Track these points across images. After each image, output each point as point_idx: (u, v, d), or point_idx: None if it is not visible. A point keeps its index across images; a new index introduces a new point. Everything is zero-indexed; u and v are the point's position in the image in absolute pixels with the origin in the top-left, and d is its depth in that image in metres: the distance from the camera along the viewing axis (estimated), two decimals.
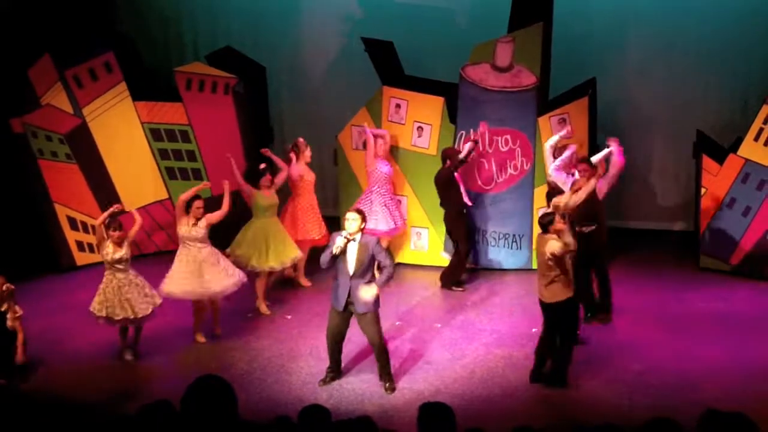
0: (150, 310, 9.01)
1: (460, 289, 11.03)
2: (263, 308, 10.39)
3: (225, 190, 9.72)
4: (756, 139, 11.01)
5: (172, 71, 12.54)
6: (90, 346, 9.48)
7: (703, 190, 11.33)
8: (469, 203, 11.00)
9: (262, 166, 10.51)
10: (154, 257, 11.65)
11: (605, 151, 10.08)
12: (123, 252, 8.91)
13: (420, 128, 11.61)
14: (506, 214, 11.52)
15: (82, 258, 12.00)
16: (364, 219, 8.23)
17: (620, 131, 12.69)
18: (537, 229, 10.96)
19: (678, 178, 12.91)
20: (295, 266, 10.94)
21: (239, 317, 10.16)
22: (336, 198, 12.48)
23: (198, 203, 9.43)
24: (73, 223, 11.94)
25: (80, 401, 8.06)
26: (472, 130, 11.27)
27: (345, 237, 8.10)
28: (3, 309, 8.61)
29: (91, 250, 11.88)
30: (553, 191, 9.44)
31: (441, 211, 11.11)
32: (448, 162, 10.77)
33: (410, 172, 11.73)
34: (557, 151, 10.44)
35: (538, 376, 8.53)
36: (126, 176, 12.26)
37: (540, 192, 10.98)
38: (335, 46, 13.59)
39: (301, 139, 11.24)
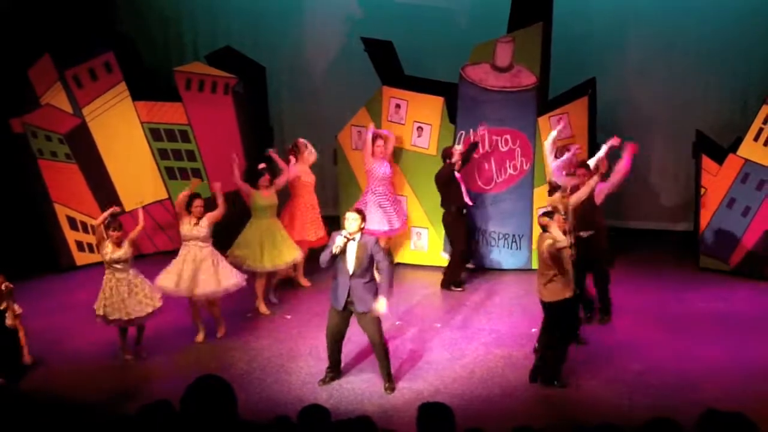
0: (145, 312, 8.96)
1: (460, 289, 11.03)
2: (263, 308, 10.39)
3: (216, 191, 9.72)
4: (756, 139, 11.01)
5: (172, 71, 12.55)
6: (90, 346, 9.48)
7: (702, 190, 11.33)
8: (470, 203, 10.99)
9: (261, 165, 10.50)
10: (153, 257, 11.64)
11: (604, 149, 10.06)
12: (122, 252, 8.90)
13: (420, 128, 11.61)
14: (506, 214, 11.52)
15: (81, 258, 12.01)
16: (363, 219, 8.24)
17: (620, 131, 12.66)
18: (536, 229, 11.01)
19: (678, 178, 12.91)
20: (294, 266, 10.93)
21: (239, 317, 10.16)
22: (336, 198, 12.49)
23: (197, 202, 9.43)
24: (72, 223, 11.95)
25: (80, 401, 8.06)
26: (472, 131, 11.27)
27: (345, 236, 8.10)
28: (2, 308, 8.61)
29: (91, 250, 11.88)
30: (555, 190, 9.37)
31: (441, 211, 11.11)
32: (448, 160, 10.78)
33: (410, 172, 11.73)
34: (559, 151, 10.45)
35: (536, 375, 8.53)
36: (126, 176, 12.26)
37: (540, 192, 10.98)
38: (335, 46, 13.59)
39: (300, 140, 11.24)
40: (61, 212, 11.89)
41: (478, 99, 11.33)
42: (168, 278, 9.35)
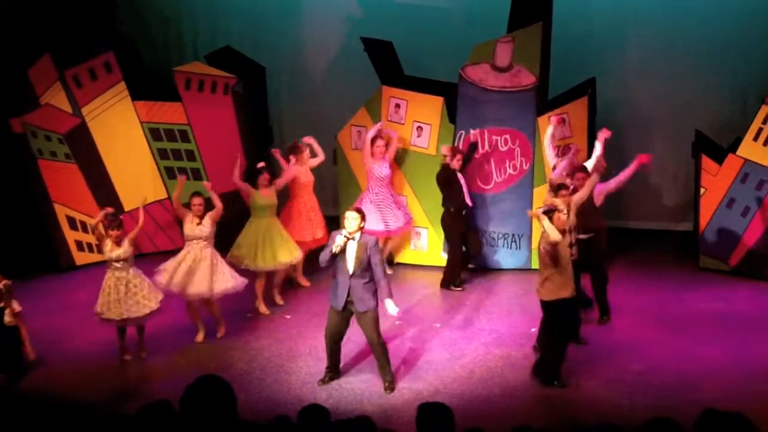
0: (141, 313, 8.93)
1: (459, 289, 11.02)
2: (262, 308, 10.39)
3: (209, 191, 9.72)
4: (755, 139, 11.01)
5: (172, 71, 12.55)
6: (90, 346, 9.48)
7: (702, 190, 11.33)
8: (471, 204, 10.98)
9: (260, 164, 10.49)
10: (153, 257, 11.62)
11: (599, 147, 10.07)
12: (121, 251, 8.89)
13: (419, 128, 11.61)
14: (505, 214, 11.52)
15: (81, 258, 12.01)
16: (363, 218, 8.24)
17: (620, 131, 12.71)
18: (536, 229, 11.02)
19: (677, 178, 12.91)
20: (294, 266, 10.92)
21: (239, 317, 10.16)
22: (336, 198, 12.49)
23: (196, 200, 9.43)
24: (72, 223, 11.95)
25: (80, 401, 8.07)
26: (472, 131, 11.27)
27: (344, 236, 8.11)
28: (0, 305, 8.63)
29: (91, 250, 11.89)
30: (558, 189, 9.32)
31: (441, 211, 11.10)
32: (447, 159, 10.79)
33: (410, 172, 11.73)
34: (561, 150, 10.45)
35: (539, 370, 8.54)
36: (125, 176, 12.26)
37: (539, 192, 10.99)
38: (335, 46, 13.59)
39: (299, 141, 11.23)
40: (61, 212, 11.89)
41: (477, 99, 11.33)
42: (163, 274, 9.36)
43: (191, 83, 12.43)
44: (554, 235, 8.00)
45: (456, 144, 11.33)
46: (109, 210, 9.27)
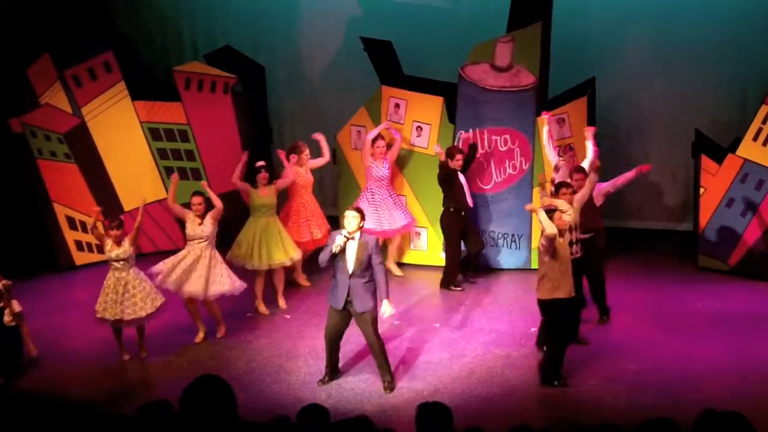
0: (137, 315, 8.91)
1: (459, 288, 11.02)
2: (262, 308, 10.38)
3: (208, 191, 9.71)
4: (755, 138, 11.01)
5: (171, 71, 12.55)
6: (89, 346, 9.48)
7: (702, 190, 11.34)
8: (471, 205, 10.96)
9: (260, 163, 10.48)
10: (153, 257, 11.62)
11: (591, 144, 10.08)
12: (121, 251, 8.88)
13: (419, 128, 11.61)
14: (505, 213, 11.52)
15: (80, 257, 12.00)
16: (363, 217, 8.25)
17: (619, 131, 12.79)
18: (536, 229, 11.02)
19: (677, 178, 12.91)
20: (293, 266, 10.91)
21: (238, 317, 10.16)
22: (335, 197, 12.48)
23: (196, 199, 9.42)
24: (71, 223, 11.94)
25: (79, 401, 8.06)
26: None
27: (344, 236, 8.11)
28: (1, 305, 8.63)
29: (90, 250, 11.90)
30: (560, 187, 9.29)
31: (439, 211, 11.11)
32: (441, 157, 10.79)
33: (409, 172, 11.72)
34: (562, 150, 10.43)
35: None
36: (125, 176, 12.26)
37: (539, 192, 10.98)
38: (334, 45, 13.58)
39: (301, 141, 11.24)
40: (61, 212, 11.89)
41: (477, 99, 11.33)
42: (162, 270, 9.36)
43: (191, 83, 12.43)
44: (550, 228, 8.01)
45: (455, 144, 11.32)
46: (98, 209, 9.26)
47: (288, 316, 10.32)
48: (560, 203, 8.46)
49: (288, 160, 10.87)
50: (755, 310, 10.13)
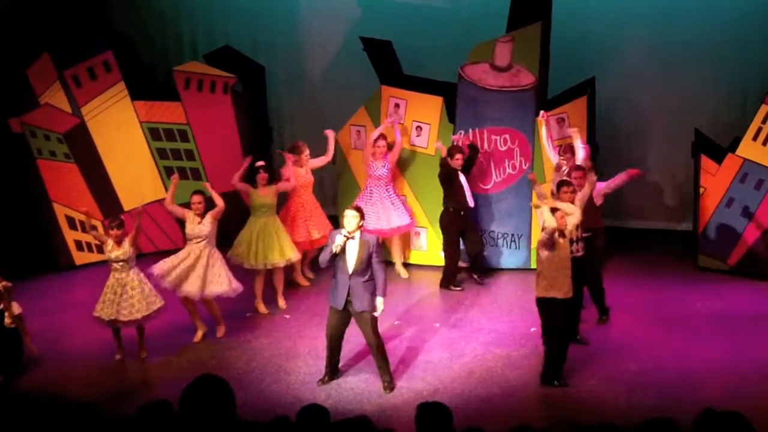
0: (133, 317, 8.88)
1: (458, 288, 11.02)
2: (261, 308, 10.38)
3: (210, 191, 9.71)
4: (754, 138, 11.01)
5: (171, 70, 12.55)
6: (89, 345, 9.48)
7: (701, 190, 11.33)
8: (470, 205, 10.94)
9: (259, 163, 10.48)
10: (153, 257, 11.62)
11: (579, 143, 10.10)
12: (120, 252, 8.87)
13: (419, 128, 11.61)
14: (505, 213, 11.52)
15: (80, 257, 12.00)
16: (362, 216, 8.24)
17: (619, 131, 12.79)
18: (535, 229, 11.03)
19: (676, 178, 12.91)
20: (292, 266, 10.90)
21: (238, 317, 10.16)
22: (335, 197, 12.48)
23: (196, 198, 9.41)
24: (71, 223, 11.94)
25: (79, 401, 8.07)
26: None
27: (344, 235, 8.10)
28: (1, 307, 8.64)
29: (90, 250, 11.89)
30: (561, 186, 9.24)
31: (439, 211, 11.12)
32: (443, 153, 10.79)
33: (409, 172, 11.72)
34: (563, 149, 10.43)
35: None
36: (124, 175, 12.26)
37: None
38: (334, 45, 13.58)
39: (299, 142, 11.23)
40: (60, 212, 11.88)
41: (477, 98, 11.33)
42: (161, 268, 9.37)
43: (190, 83, 12.43)
44: (550, 221, 8.00)
45: (455, 144, 11.31)
46: (85, 209, 9.25)
47: (288, 316, 10.32)
48: (566, 206, 8.42)
49: (293, 161, 10.89)
50: (755, 310, 10.13)
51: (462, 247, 11.14)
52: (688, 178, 12.44)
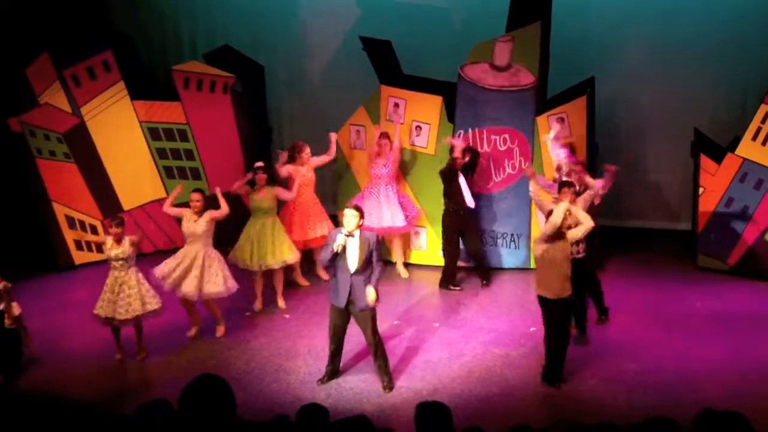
0: (130, 315, 8.87)
1: (458, 288, 11.03)
2: (257, 305, 10.39)
3: (216, 193, 9.71)
4: (754, 138, 11.01)
5: (170, 70, 12.55)
6: (89, 345, 9.48)
7: (701, 190, 11.34)
8: (469, 205, 10.93)
9: (258, 164, 10.47)
10: (152, 256, 11.62)
11: (562, 155, 10.10)
12: (119, 251, 8.87)
13: (418, 127, 11.61)
14: (504, 213, 11.52)
15: (80, 257, 12.00)
16: (362, 215, 8.24)
17: (619, 130, 12.80)
18: (535, 228, 11.03)
19: (676, 178, 12.91)
20: (291, 266, 10.89)
21: (238, 316, 10.16)
22: (335, 196, 12.48)
23: (195, 196, 9.40)
24: (71, 222, 11.93)
25: (79, 401, 8.07)
26: (471, 130, 11.27)
27: (344, 234, 8.10)
28: (1, 308, 8.64)
29: (90, 249, 11.89)
30: (563, 186, 9.22)
31: (439, 210, 11.13)
32: (451, 155, 10.80)
33: (408, 172, 11.72)
34: (561, 172, 10.40)
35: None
36: (124, 175, 12.26)
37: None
38: (334, 45, 13.58)
39: (300, 141, 11.23)
40: (60, 211, 11.88)
41: (476, 98, 11.33)
42: (161, 270, 9.38)
43: (190, 82, 12.43)
44: (557, 218, 8.00)
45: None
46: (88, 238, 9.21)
47: (287, 316, 10.32)
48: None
49: (293, 159, 10.88)
50: (755, 310, 10.13)
51: (462, 247, 11.15)
52: (688, 178, 12.45)
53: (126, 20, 13.54)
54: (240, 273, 10.09)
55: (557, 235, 8.14)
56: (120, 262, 8.88)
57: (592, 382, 8.51)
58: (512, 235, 11.56)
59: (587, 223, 8.32)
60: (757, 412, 5.75)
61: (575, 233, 8.28)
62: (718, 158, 11.22)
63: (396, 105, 11.62)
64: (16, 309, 8.88)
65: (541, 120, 11.21)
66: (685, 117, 12.36)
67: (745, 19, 12.06)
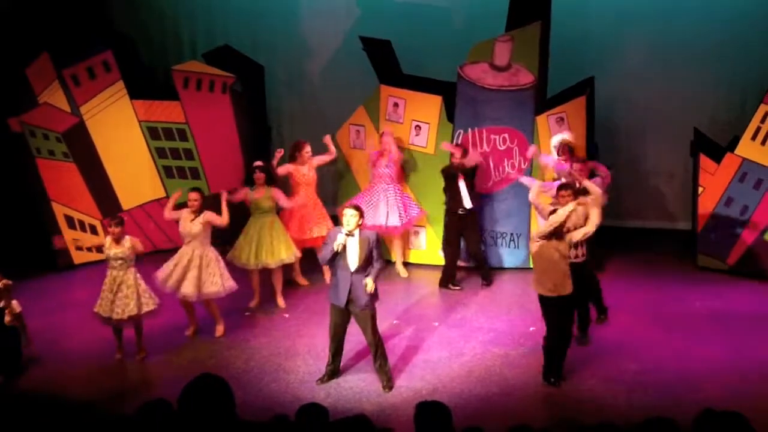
0: (126, 315, 8.85)
1: (458, 288, 11.03)
2: (253, 303, 10.40)
3: (222, 201, 9.67)
4: (753, 138, 11.01)
5: (170, 70, 12.54)
6: (88, 345, 9.47)
7: (700, 189, 11.33)
8: (467, 206, 10.90)
9: (257, 163, 10.47)
10: (151, 256, 11.61)
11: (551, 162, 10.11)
12: (119, 250, 8.85)
13: (418, 127, 11.61)
14: (504, 213, 11.52)
15: (79, 257, 11.98)
16: (361, 215, 8.24)
17: (618, 130, 12.81)
18: (534, 228, 11.02)
19: (675, 177, 12.92)
20: (291, 265, 10.89)
21: (237, 316, 10.16)
22: (334, 196, 12.48)
23: (193, 195, 9.37)
24: (70, 222, 11.93)
25: (79, 401, 8.06)
26: (471, 129, 11.27)
27: (345, 234, 8.10)
28: (1, 305, 8.64)
29: (89, 249, 11.87)
30: (562, 188, 9.20)
31: (439, 210, 11.13)
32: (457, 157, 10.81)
33: (407, 171, 11.71)
34: (561, 149, 10.40)
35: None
36: (123, 175, 12.26)
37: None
38: (333, 45, 13.59)
39: (301, 140, 11.23)
40: (59, 211, 11.87)
41: (476, 98, 11.33)
42: (162, 274, 9.39)
43: (189, 82, 12.42)
44: (558, 216, 8.00)
45: (454, 143, 11.30)
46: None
47: (287, 315, 10.32)
48: (566, 209, 8.39)
49: (294, 158, 10.88)
50: (754, 310, 10.13)
51: (463, 246, 11.15)
52: (687, 178, 12.45)
53: (126, 20, 13.54)
54: (239, 272, 10.09)
55: (556, 234, 8.14)
56: (119, 262, 8.87)
57: (592, 382, 8.51)
58: (512, 234, 11.57)
59: (589, 226, 8.36)
60: (757, 412, 5.75)
61: (575, 235, 8.30)
62: (717, 158, 11.22)
63: (395, 105, 11.62)
64: (16, 306, 8.88)
65: (540, 120, 11.21)
66: (685, 117, 12.37)
67: (744, 19, 12.06)
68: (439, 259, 11.45)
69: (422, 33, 12.84)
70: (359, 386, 8.53)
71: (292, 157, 11.01)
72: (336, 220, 11.03)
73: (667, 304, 10.39)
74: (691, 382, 8.40)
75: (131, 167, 12.30)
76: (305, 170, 10.99)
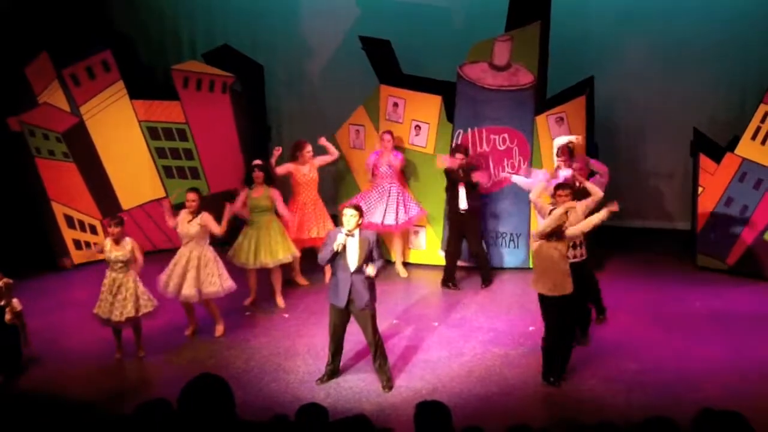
0: (124, 317, 8.85)
1: (458, 287, 11.02)
2: (248, 301, 10.40)
3: (225, 215, 9.59)
4: (753, 138, 11.01)
5: (170, 69, 12.54)
6: (88, 345, 9.47)
7: (700, 189, 11.33)
8: (464, 207, 10.88)
9: (256, 162, 10.46)
10: (151, 256, 11.60)
11: (541, 177, 10.09)
12: (119, 252, 8.84)
13: (418, 127, 11.61)
14: (504, 213, 11.52)
15: (79, 256, 11.98)
16: (361, 214, 8.24)
17: (618, 130, 12.81)
18: (534, 228, 11.01)
19: (675, 177, 12.92)
20: (290, 265, 10.89)
21: (237, 316, 10.16)
22: (334, 196, 12.48)
23: (191, 195, 9.37)
24: (70, 222, 11.93)
25: (78, 400, 8.04)
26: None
27: (345, 234, 8.10)
28: (2, 304, 8.64)
29: (89, 248, 11.87)
30: (562, 188, 9.20)
31: (439, 210, 11.13)
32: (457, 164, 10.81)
33: (407, 171, 11.71)
34: (560, 150, 10.38)
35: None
36: (123, 175, 12.26)
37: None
38: (333, 44, 13.59)
39: (301, 140, 11.22)
40: (59, 211, 11.87)
41: (476, 98, 11.33)
42: (163, 278, 9.39)
43: (189, 82, 12.42)
44: (554, 219, 8.01)
45: (453, 143, 11.30)
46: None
47: (286, 315, 10.32)
48: (565, 208, 8.39)
49: (294, 158, 10.88)
50: (754, 310, 10.13)
51: (465, 246, 11.17)
52: (687, 178, 12.46)
53: (126, 20, 13.54)
54: (238, 272, 10.09)
55: (555, 234, 8.13)
56: (119, 264, 8.87)
57: (592, 381, 8.51)
58: (512, 234, 11.57)
59: (582, 226, 8.40)
60: (756, 411, 5.75)
61: (573, 231, 8.31)
62: (717, 158, 11.22)
63: (395, 104, 11.62)
64: (17, 305, 8.88)
65: (540, 120, 11.21)
66: (685, 117, 12.37)
67: (744, 19, 12.07)
68: (439, 259, 11.45)
69: (422, 33, 12.84)
70: (359, 386, 8.53)
71: (292, 156, 11.01)
72: (336, 220, 11.05)
73: (666, 304, 10.39)
74: (691, 381, 8.40)
75: (131, 167, 12.30)
76: (306, 170, 10.98)
